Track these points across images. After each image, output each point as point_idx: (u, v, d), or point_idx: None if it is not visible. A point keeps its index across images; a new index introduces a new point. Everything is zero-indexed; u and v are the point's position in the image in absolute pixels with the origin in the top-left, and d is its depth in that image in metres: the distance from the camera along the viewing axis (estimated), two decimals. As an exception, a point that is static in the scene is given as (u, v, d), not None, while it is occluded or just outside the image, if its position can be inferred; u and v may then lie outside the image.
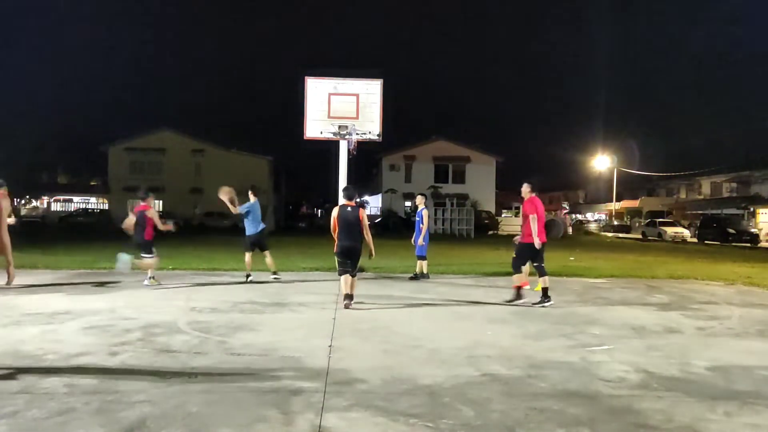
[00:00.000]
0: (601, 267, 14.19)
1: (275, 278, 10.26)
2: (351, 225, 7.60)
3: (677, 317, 7.49)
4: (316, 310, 7.51)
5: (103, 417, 3.58)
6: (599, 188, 63.76)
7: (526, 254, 8.25)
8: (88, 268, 11.74)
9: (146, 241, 9.56)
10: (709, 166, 50.05)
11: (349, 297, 7.58)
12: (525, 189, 8.29)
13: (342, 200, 8.17)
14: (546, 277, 8.16)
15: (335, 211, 7.77)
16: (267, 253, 10.38)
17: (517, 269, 8.36)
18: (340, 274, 7.67)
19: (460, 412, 3.80)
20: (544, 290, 8.09)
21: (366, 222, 7.75)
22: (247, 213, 10.18)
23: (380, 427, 3.52)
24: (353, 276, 7.66)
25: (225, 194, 10.03)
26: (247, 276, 10.12)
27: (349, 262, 7.61)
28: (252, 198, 10.35)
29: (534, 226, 7.93)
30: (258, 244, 10.32)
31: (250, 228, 10.23)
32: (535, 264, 8.25)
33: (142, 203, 9.72)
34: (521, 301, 8.15)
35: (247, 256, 10.21)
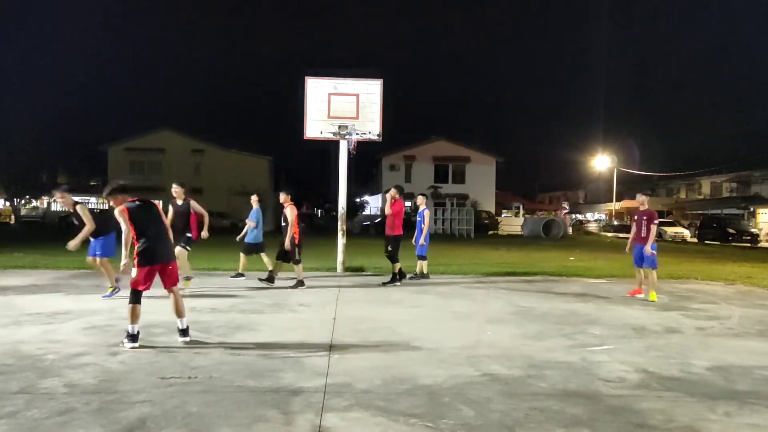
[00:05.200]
0: (601, 267, 14.18)
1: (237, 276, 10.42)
2: None
3: (677, 317, 7.49)
4: (316, 310, 7.51)
5: (103, 417, 3.58)
6: (599, 188, 63.75)
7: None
8: (88, 268, 11.71)
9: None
10: (709, 166, 49.95)
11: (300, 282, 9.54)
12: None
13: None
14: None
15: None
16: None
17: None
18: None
19: (460, 412, 3.80)
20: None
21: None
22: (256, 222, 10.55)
23: (380, 427, 3.52)
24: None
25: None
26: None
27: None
28: (255, 205, 10.55)
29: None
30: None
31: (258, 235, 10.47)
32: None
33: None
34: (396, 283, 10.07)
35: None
